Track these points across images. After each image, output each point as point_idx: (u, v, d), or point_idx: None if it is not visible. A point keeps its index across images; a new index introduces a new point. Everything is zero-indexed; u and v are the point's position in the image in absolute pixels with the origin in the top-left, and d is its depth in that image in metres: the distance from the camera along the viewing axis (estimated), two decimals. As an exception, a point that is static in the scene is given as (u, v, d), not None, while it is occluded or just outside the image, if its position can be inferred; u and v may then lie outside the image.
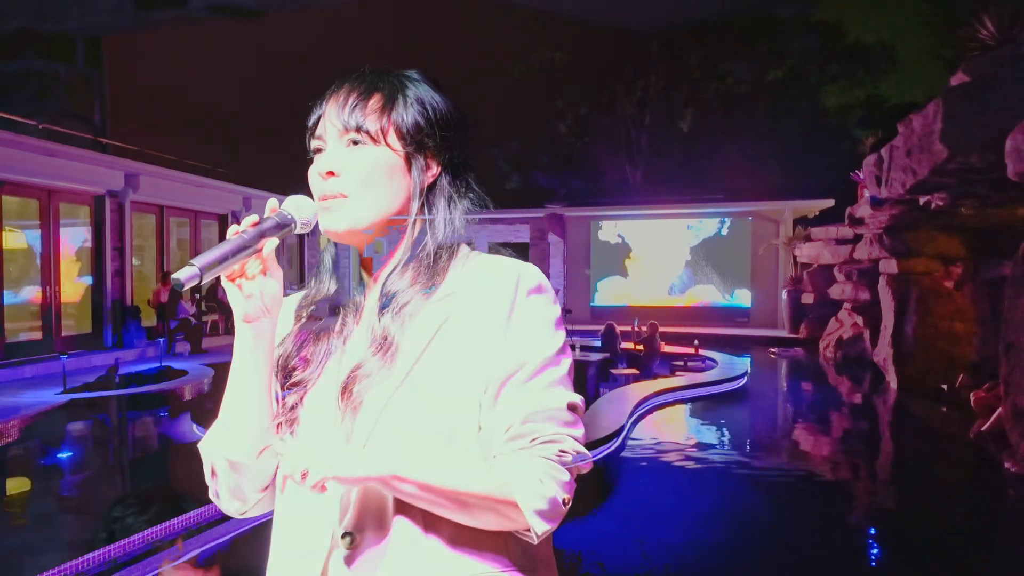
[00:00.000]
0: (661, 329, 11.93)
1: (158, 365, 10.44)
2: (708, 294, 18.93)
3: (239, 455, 0.97)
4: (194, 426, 7.22)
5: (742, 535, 4.84)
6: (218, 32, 22.37)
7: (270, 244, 0.92)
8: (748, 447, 7.63)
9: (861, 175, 9.93)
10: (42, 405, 7.57)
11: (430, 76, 1.04)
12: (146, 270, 13.66)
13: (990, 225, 8.75)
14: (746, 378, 10.33)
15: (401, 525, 0.90)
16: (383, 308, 0.96)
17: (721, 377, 9.94)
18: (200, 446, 1.01)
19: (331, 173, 0.96)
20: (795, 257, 16.45)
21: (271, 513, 1.03)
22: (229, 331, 9.23)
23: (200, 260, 0.85)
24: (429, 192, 1.01)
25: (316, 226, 0.99)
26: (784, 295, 16.70)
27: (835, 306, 13.81)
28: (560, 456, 0.91)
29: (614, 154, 23.46)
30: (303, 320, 1.04)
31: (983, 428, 6.85)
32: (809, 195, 17.08)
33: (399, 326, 0.94)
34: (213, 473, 1.01)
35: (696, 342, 12.34)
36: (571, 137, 24.05)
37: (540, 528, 0.89)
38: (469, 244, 1.03)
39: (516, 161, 24.02)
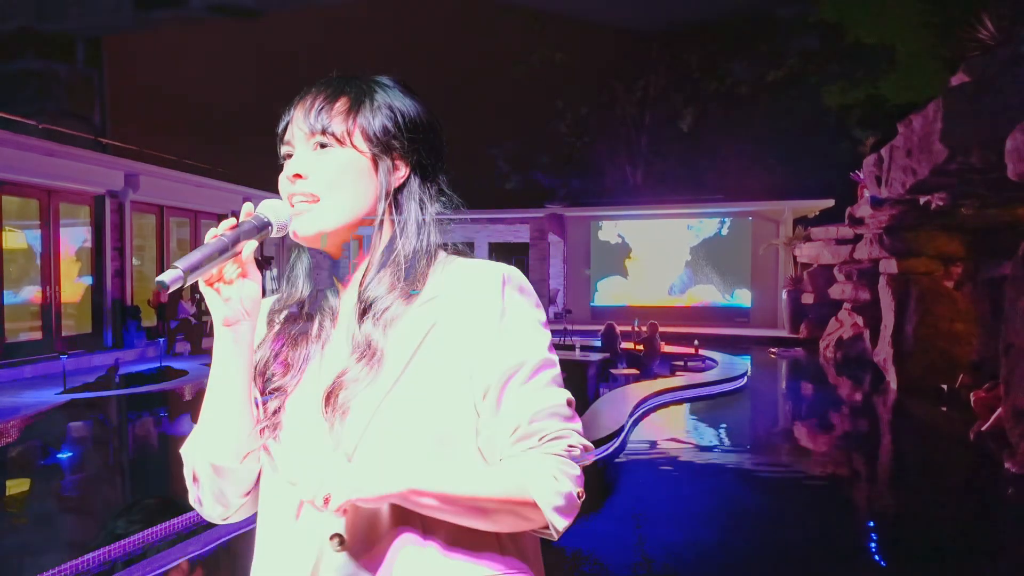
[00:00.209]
0: (661, 329, 11.93)
1: (158, 365, 10.45)
2: (708, 294, 18.93)
3: (223, 459, 0.97)
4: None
5: (742, 535, 4.84)
6: (218, 32, 22.39)
7: (248, 247, 0.92)
8: (748, 447, 7.63)
9: (861, 175, 9.94)
10: (42, 405, 7.57)
11: (402, 81, 1.04)
12: (146, 270, 13.63)
13: (990, 225, 8.75)
14: (746, 378, 10.34)
15: (399, 532, 0.90)
16: (363, 314, 0.95)
17: (721, 377, 9.95)
18: (182, 451, 1.01)
19: (298, 176, 0.96)
20: (795, 257, 16.45)
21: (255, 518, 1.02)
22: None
23: (183, 262, 0.86)
24: (398, 194, 1.00)
25: None
26: (784, 295, 16.70)
27: (835, 306, 13.80)
28: (569, 451, 0.92)
29: (614, 154, 23.46)
30: (277, 325, 1.04)
31: (983, 428, 6.84)
32: (809, 195, 17.10)
33: (381, 333, 0.93)
34: (195, 478, 1.00)
35: (696, 342, 12.35)
36: (571, 137, 24.05)
37: (560, 524, 0.90)
38: (446, 248, 1.02)
39: (516, 161, 24.02)
